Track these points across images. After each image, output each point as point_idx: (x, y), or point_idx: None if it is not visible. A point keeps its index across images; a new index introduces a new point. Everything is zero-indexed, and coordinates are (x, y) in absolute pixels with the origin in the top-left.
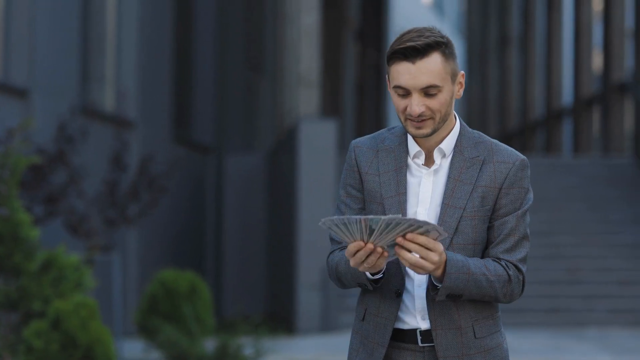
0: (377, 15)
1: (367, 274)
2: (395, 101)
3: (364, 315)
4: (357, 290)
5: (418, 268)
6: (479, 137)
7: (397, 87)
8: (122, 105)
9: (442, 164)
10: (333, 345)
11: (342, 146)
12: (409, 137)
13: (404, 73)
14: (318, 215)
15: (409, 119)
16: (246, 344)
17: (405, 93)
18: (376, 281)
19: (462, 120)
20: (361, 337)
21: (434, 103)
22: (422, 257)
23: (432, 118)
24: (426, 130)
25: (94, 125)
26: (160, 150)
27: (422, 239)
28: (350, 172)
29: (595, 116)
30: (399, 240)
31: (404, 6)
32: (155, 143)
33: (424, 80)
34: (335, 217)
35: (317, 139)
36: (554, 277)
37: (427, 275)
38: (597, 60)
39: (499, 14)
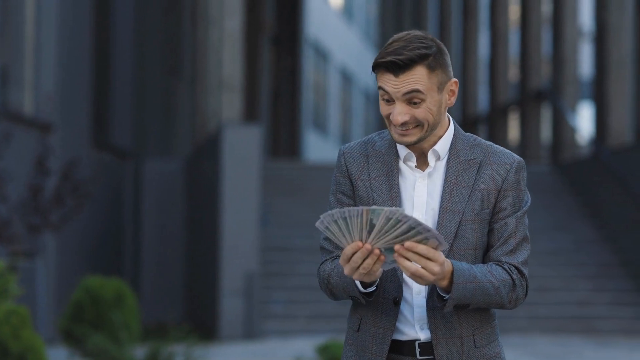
0: (291, 20)
1: (360, 287)
2: (381, 105)
3: (359, 326)
4: (285, 296)
5: (418, 278)
6: (474, 140)
7: (381, 90)
8: (42, 108)
9: (436, 167)
10: (257, 353)
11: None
12: None
13: (387, 82)
14: (242, 221)
15: (393, 125)
16: (176, 352)
17: (390, 99)
18: (369, 294)
19: (455, 123)
20: (357, 349)
21: (418, 112)
22: (422, 267)
23: (419, 126)
24: (410, 139)
25: (15, 129)
26: (80, 155)
27: (421, 248)
28: (340, 179)
29: (512, 124)
30: (398, 248)
31: (317, 12)
32: (75, 147)
33: (406, 88)
34: (335, 210)
35: (240, 145)
36: None
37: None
38: (513, 69)
39: (413, 20)
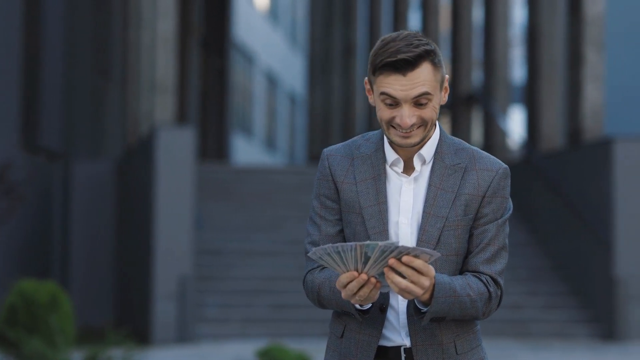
0: (220, 23)
1: (357, 305)
2: (381, 110)
3: (343, 332)
4: (219, 300)
5: (406, 293)
6: (460, 144)
7: (385, 95)
8: None
9: (422, 171)
10: (191, 357)
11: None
12: (386, 144)
13: (394, 84)
14: (176, 225)
15: (394, 129)
16: (114, 356)
17: (394, 103)
18: (365, 312)
19: (441, 127)
20: (340, 356)
21: (425, 112)
22: (412, 282)
23: (422, 126)
24: (414, 140)
25: None
26: (10, 157)
27: (418, 263)
28: (324, 182)
29: (442, 126)
30: (393, 262)
31: (243, 14)
32: (5, 149)
33: (416, 91)
34: (328, 245)
35: (174, 147)
36: None
37: None
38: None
39: (343, 22)
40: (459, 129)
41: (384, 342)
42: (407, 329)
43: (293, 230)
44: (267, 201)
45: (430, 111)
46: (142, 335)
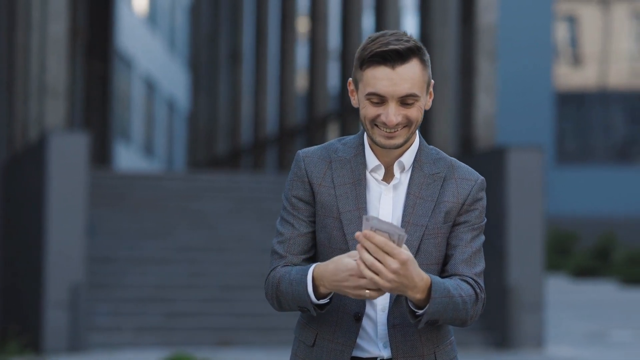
0: (103, 28)
1: (312, 297)
2: (366, 108)
3: (315, 341)
4: (111, 308)
5: (376, 275)
6: (437, 154)
7: (372, 94)
8: None
9: (401, 179)
10: None
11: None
12: (367, 149)
13: (382, 79)
14: (68, 231)
15: (378, 128)
16: None
17: (380, 101)
18: (321, 307)
19: (421, 135)
20: None
21: (411, 112)
22: (377, 260)
23: (406, 127)
24: (398, 141)
25: None
26: None
27: (378, 239)
28: (298, 183)
29: (332, 134)
30: (358, 234)
31: (123, 19)
32: None
33: (404, 88)
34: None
35: (67, 152)
36: None
37: (389, 299)
38: (333, 78)
39: (229, 28)
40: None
41: (358, 353)
42: (386, 339)
43: (183, 237)
44: (157, 208)
45: (416, 111)
46: (32, 344)
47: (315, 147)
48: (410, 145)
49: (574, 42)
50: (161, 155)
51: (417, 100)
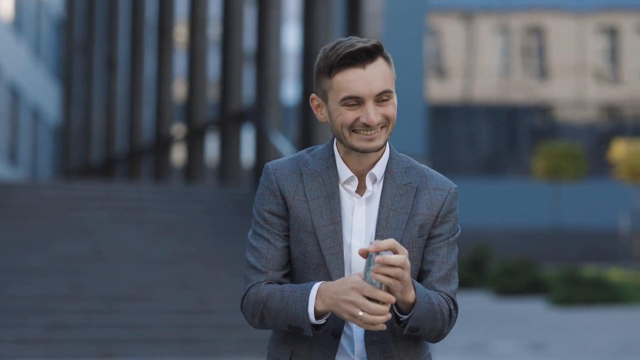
0: None
1: (312, 317)
2: (343, 114)
3: (290, 358)
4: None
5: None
6: (409, 162)
7: (348, 97)
8: None
9: (373, 190)
10: None
11: None
12: (339, 161)
13: (355, 80)
14: None
15: (357, 133)
16: None
17: (357, 103)
18: (318, 327)
19: (390, 144)
20: None
21: (388, 109)
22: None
23: (385, 127)
24: (379, 142)
25: None
26: None
27: (393, 259)
28: (270, 197)
29: (211, 145)
30: (374, 269)
31: None
32: None
33: (378, 85)
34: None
35: None
36: (185, 306)
37: None
38: (212, 89)
39: (103, 36)
40: (227, 147)
41: None
42: (364, 356)
43: (63, 246)
44: (35, 217)
45: (392, 108)
46: None
47: (284, 159)
48: (382, 155)
49: (438, 56)
50: (26, 164)
51: (391, 97)
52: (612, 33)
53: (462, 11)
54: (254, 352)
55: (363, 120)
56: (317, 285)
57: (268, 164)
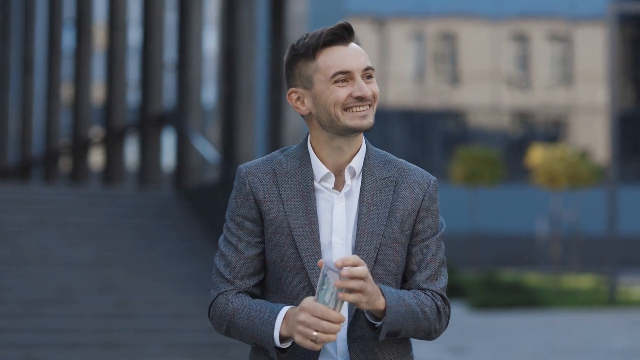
0: None
1: (277, 341)
2: (334, 92)
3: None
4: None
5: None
6: (386, 156)
7: (339, 73)
8: None
9: (352, 185)
10: None
11: None
12: (314, 159)
13: (343, 56)
14: None
15: (350, 111)
16: None
17: (347, 78)
18: (283, 350)
19: (365, 138)
20: None
21: (373, 87)
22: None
23: (371, 105)
24: (370, 120)
25: None
26: None
27: (359, 271)
28: (242, 201)
29: (131, 148)
30: (339, 283)
31: None
32: None
33: (364, 60)
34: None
35: None
36: (105, 310)
37: (348, 313)
38: (132, 92)
39: (19, 36)
40: (147, 150)
41: None
42: (346, 355)
43: None
44: None
45: (375, 86)
46: None
47: (257, 160)
48: (359, 149)
49: None
50: None
51: (373, 75)
52: (524, 40)
53: (375, 17)
54: (175, 356)
55: (357, 93)
56: (285, 309)
57: (241, 166)
